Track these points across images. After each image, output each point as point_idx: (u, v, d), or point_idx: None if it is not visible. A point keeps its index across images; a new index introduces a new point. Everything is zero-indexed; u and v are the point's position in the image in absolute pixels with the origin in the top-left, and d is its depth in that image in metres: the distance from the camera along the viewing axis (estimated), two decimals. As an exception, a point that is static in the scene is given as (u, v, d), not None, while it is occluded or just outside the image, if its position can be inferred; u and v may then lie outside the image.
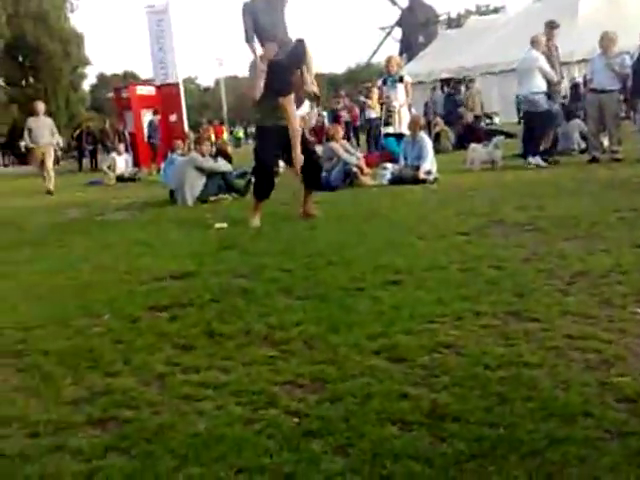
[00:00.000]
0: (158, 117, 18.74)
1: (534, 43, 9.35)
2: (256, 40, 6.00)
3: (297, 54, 5.91)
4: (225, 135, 25.77)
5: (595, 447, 1.77)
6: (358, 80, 46.39)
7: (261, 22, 5.94)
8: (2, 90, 39.78)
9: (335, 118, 18.48)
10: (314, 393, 2.29)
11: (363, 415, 2.07)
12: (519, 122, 17.31)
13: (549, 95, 9.44)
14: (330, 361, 2.55)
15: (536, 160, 9.18)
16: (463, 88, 19.09)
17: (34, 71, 43.72)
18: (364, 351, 2.62)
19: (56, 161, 15.14)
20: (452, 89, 19.70)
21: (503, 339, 2.65)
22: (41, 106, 13.85)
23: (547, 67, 9.23)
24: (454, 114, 17.30)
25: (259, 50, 5.98)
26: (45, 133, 13.38)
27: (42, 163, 13.35)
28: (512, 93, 19.27)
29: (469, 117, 16.68)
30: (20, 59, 43.56)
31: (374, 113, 13.69)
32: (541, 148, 9.47)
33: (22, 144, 15.19)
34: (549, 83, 9.35)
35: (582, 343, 2.53)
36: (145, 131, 19.08)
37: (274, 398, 2.26)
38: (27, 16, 41.45)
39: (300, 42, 5.90)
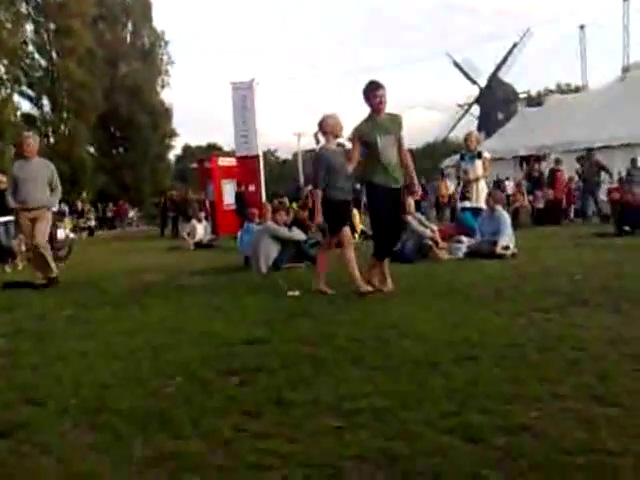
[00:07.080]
0: (242, 188, 19.11)
1: None
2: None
3: None
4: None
5: None
6: (435, 155, 46.79)
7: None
8: (93, 159, 42.02)
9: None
10: (382, 469, 2.21)
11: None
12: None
13: None
14: (400, 437, 2.47)
15: None
16: (544, 164, 18.91)
17: (124, 142, 46.41)
18: (436, 429, 2.53)
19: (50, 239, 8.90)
20: (531, 166, 19.54)
21: (584, 424, 2.50)
22: (30, 140, 7.98)
23: None
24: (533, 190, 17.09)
25: None
26: (37, 188, 7.88)
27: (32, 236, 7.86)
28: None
29: (550, 194, 16.43)
30: (112, 130, 46.36)
31: None
32: None
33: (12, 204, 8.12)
34: None
35: (671, 433, 2.36)
36: (227, 200, 19.76)
37: (341, 473, 2.20)
38: (122, 90, 44.35)
39: None
